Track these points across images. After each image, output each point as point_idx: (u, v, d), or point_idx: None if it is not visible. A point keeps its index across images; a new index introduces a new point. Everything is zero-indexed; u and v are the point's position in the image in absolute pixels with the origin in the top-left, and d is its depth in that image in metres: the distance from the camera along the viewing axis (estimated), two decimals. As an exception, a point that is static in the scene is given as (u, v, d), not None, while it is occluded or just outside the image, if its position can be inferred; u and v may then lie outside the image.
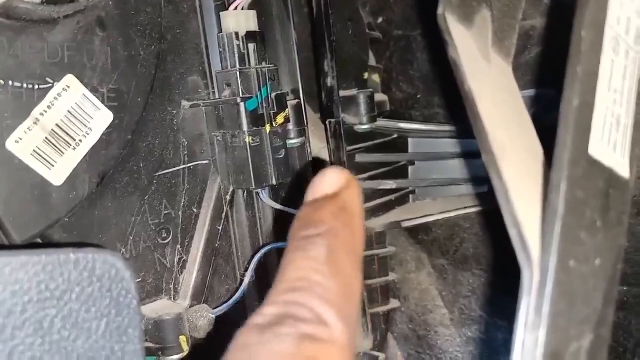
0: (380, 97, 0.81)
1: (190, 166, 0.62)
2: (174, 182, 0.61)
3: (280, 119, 0.64)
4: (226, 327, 0.65)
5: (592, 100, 0.33)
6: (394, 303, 0.84)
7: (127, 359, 0.40)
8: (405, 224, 0.79)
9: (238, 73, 0.61)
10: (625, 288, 0.72)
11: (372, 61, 0.82)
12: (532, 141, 0.38)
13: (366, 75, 0.80)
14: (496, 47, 0.44)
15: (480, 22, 0.42)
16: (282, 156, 0.64)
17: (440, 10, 0.40)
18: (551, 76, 0.66)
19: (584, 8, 0.33)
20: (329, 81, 0.74)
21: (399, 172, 0.84)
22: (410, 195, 0.86)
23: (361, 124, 0.75)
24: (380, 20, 0.85)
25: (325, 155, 0.77)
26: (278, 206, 0.66)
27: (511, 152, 0.35)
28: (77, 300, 0.39)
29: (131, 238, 0.58)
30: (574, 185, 0.31)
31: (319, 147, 0.77)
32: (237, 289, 0.64)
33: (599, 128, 0.34)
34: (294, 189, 0.71)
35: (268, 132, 0.63)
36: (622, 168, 0.36)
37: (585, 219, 0.32)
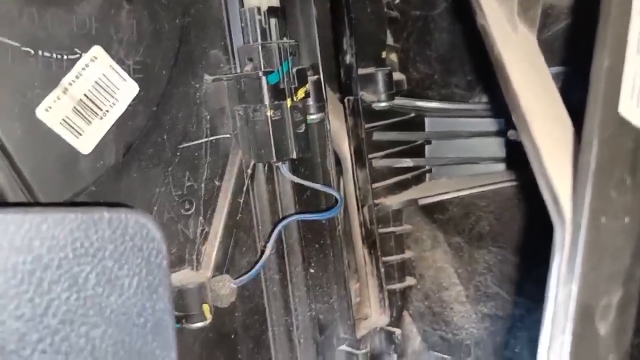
0: (397, 75, 0.82)
1: (212, 139, 0.63)
2: (196, 154, 0.62)
3: (300, 94, 0.65)
4: (247, 298, 0.67)
5: (621, 63, 0.33)
6: (409, 280, 0.85)
7: (157, 316, 0.41)
8: (422, 202, 0.80)
9: (260, 47, 0.62)
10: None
11: (390, 40, 0.82)
12: (559, 108, 0.39)
13: (384, 54, 0.80)
14: (521, 16, 0.44)
15: (507, -9, 0.43)
16: (302, 131, 0.65)
17: (468, -22, 0.41)
18: (570, 53, 0.66)
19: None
20: (348, 59, 0.74)
21: (416, 150, 0.85)
22: (427, 174, 0.86)
23: (379, 101, 0.76)
24: (398, 0, 0.85)
25: (343, 133, 0.78)
26: (298, 180, 0.67)
27: (541, 117, 0.35)
28: (110, 257, 0.39)
29: (155, 209, 0.59)
30: (604, 144, 0.32)
31: (337, 124, 0.78)
32: (257, 261, 0.65)
33: (629, 89, 0.34)
34: (313, 164, 0.71)
35: (289, 106, 0.63)
36: (651, 129, 0.36)
37: (614, 178, 0.33)
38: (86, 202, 0.52)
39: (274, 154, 0.63)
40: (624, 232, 0.33)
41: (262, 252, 0.65)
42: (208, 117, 0.63)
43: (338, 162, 0.78)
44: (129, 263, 0.40)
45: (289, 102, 0.63)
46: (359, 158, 0.76)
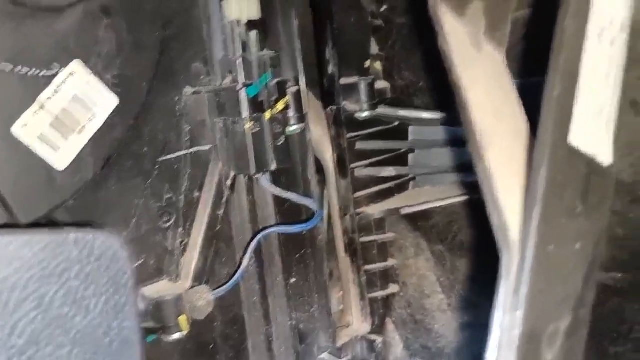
0: (382, 84, 0.82)
1: (192, 151, 0.64)
2: (176, 166, 0.63)
3: (280, 106, 0.65)
4: (226, 308, 0.67)
5: (574, 89, 0.34)
6: (393, 288, 0.86)
7: (124, 335, 0.41)
8: (404, 211, 0.80)
9: (239, 60, 0.62)
10: (619, 274, 0.73)
11: (375, 49, 0.82)
12: (520, 128, 0.40)
13: (368, 63, 0.80)
14: (489, 37, 0.45)
15: (473, 12, 0.43)
16: (281, 142, 0.65)
17: (431, 1, 0.41)
18: (539, 65, 0.67)
19: (568, -1, 0.34)
20: (330, 69, 0.75)
21: (399, 159, 0.85)
22: (410, 182, 0.87)
23: (361, 111, 0.76)
24: (383, 8, 0.85)
25: (326, 142, 0.78)
26: (278, 191, 0.68)
27: (497, 140, 0.36)
28: (76, 278, 0.40)
29: (134, 220, 0.60)
30: (554, 171, 0.32)
31: (319, 133, 0.79)
32: (235, 272, 0.65)
33: (581, 115, 0.35)
34: (294, 174, 0.72)
35: (268, 118, 0.64)
36: (605, 154, 0.37)
37: (565, 204, 0.33)
38: (57, 221, 0.52)
39: (253, 166, 0.64)
40: (575, 257, 0.34)
41: (242, 263, 0.66)
42: (188, 129, 0.64)
43: (321, 170, 0.79)
44: (96, 283, 0.41)
45: (268, 114, 0.64)
46: (341, 168, 0.76)
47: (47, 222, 0.52)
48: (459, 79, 0.37)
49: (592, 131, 0.36)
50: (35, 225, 0.49)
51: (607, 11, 0.36)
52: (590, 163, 0.35)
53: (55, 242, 0.40)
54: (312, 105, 0.80)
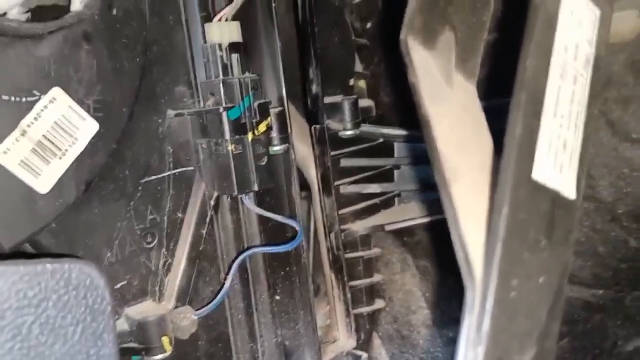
0: (366, 102, 0.83)
1: (175, 172, 0.65)
2: (159, 188, 0.63)
3: (262, 127, 0.66)
4: (210, 326, 0.68)
5: (536, 126, 0.35)
6: (379, 303, 0.86)
7: (102, 362, 0.42)
8: (388, 227, 0.81)
9: (221, 83, 0.63)
10: (601, 291, 0.73)
11: (359, 67, 0.83)
12: (486, 163, 0.40)
13: (352, 81, 0.81)
14: (459, 68, 0.45)
15: (443, 44, 0.44)
16: (264, 163, 0.66)
17: (402, 35, 0.42)
18: (505, 87, 0.68)
19: (529, 37, 0.35)
20: (314, 88, 0.76)
21: (385, 175, 0.86)
22: (396, 198, 0.88)
23: (345, 130, 0.77)
24: (368, 25, 0.86)
25: (311, 159, 0.79)
26: (261, 211, 0.68)
27: (463, 175, 0.37)
28: (53, 307, 0.41)
29: (117, 242, 0.60)
30: (517, 208, 0.33)
31: (305, 150, 0.79)
32: (219, 291, 0.66)
33: (544, 152, 0.35)
34: (278, 193, 0.73)
35: (250, 140, 0.65)
36: (569, 189, 0.37)
37: (528, 239, 0.34)
38: (43, 246, 0.53)
39: (235, 187, 0.65)
40: (539, 290, 0.35)
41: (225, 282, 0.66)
42: (171, 150, 0.64)
43: (307, 186, 0.80)
44: (73, 312, 0.42)
45: (250, 135, 0.65)
46: (326, 185, 0.77)
47: (31, 247, 0.53)
48: (427, 114, 0.37)
49: (557, 166, 0.37)
50: (13, 255, 0.49)
51: (570, 49, 0.37)
52: (554, 198, 0.36)
53: (31, 273, 0.40)
54: (297, 121, 0.81)
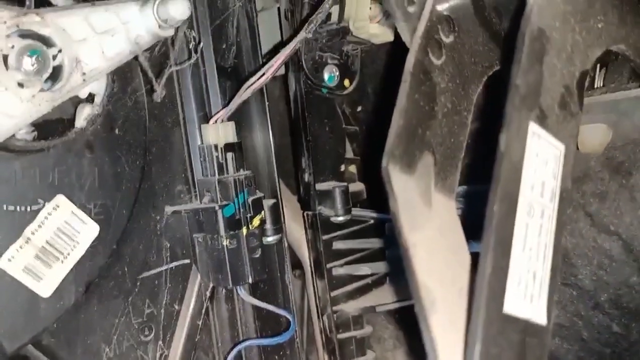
0: (356, 186, 0.86)
1: (172, 267, 0.67)
2: (156, 282, 0.66)
3: (256, 222, 0.69)
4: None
5: (506, 264, 0.38)
6: (371, 381, 0.87)
7: None
8: (380, 309, 0.83)
9: (216, 182, 0.66)
10: None
11: (350, 152, 0.87)
12: (465, 285, 0.43)
13: (343, 167, 0.85)
14: (439, 187, 0.48)
15: (423, 168, 0.47)
16: (258, 255, 0.69)
17: (384, 163, 0.45)
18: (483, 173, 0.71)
19: (496, 184, 0.38)
20: (306, 177, 0.79)
21: (376, 255, 0.88)
22: (387, 277, 0.90)
23: (337, 216, 0.80)
24: (359, 109, 0.90)
25: (304, 242, 0.81)
26: (256, 302, 0.71)
27: (442, 307, 0.39)
28: None
29: (115, 338, 0.63)
30: (489, 344, 0.36)
31: (299, 232, 0.82)
32: (214, 382, 0.68)
33: (514, 286, 0.38)
34: (272, 280, 0.75)
35: (244, 234, 0.67)
36: (539, 316, 0.40)
37: (500, 370, 0.36)
38: (43, 345, 0.55)
39: (230, 280, 0.67)
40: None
41: (220, 372, 0.68)
42: (168, 245, 0.67)
43: (300, 265, 0.82)
44: None
45: (244, 230, 0.68)
46: (318, 269, 0.80)
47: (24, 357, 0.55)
48: (407, 244, 0.40)
49: (527, 297, 0.39)
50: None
51: (537, 187, 0.40)
52: (525, 327, 0.39)
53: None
54: (290, 202, 0.84)
